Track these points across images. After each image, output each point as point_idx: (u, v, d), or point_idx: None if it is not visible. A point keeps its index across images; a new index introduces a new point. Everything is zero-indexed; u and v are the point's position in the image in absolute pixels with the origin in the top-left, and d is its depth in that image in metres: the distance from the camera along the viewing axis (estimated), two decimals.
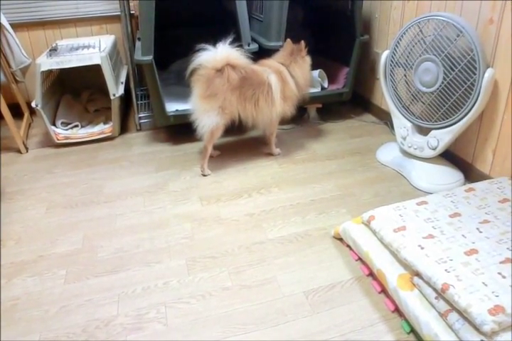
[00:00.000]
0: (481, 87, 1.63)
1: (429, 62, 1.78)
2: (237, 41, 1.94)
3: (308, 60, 2.09)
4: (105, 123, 2.58)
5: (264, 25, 2.39)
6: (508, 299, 1.05)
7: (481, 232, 1.31)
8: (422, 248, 1.25)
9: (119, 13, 2.55)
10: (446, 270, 1.15)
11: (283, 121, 2.25)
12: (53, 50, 2.43)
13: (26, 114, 2.75)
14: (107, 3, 2.89)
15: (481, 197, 1.51)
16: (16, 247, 1.63)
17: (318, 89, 2.51)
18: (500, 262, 1.17)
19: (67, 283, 1.44)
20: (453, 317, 1.08)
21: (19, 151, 2.40)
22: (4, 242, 1.66)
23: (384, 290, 1.34)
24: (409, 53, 1.87)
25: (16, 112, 2.63)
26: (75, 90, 2.90)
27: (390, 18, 2.37)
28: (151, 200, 1.90)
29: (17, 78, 2.59)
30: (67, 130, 2.51)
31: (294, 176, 2.05)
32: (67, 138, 2.46)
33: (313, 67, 2.19)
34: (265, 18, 2.37)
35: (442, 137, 1.81)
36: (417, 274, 1.21)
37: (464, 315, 1.06)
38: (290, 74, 2.03)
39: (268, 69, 1.99)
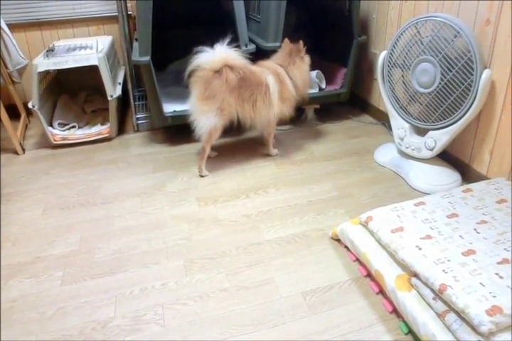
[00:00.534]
0: (478, 87, 1.63)
1: (426, 63, 1.78)
2: (235, 42, 1.94)
3: (307, 60, 2.10)
4: (102, 124, 2.57)
5: (261, 25, 2.39)
6: (506, 299, 1.05)
7: (478, 233, 1.31)
8: (420, 248, 1.25)
9: (116, 13, 2.55)
10: (443, 270, 1.15)
11: (281, 122, 2.25)
12: (50, 51, 2.42)
13: (23, 115, 2.74)
14: (105, 4, 2.89)
15: (478, 197, 1.52)
16: (13, 249, 1.63)
17: (315, 90, 2.51)
18: (498, 263, 1.17)
19: (64, 285, 1.44)
20: (451, 317, 1.08)
21: (16, 152, 2.40)
22: (1, 244, 1.66)
23: (382, 291, 1.34)
24: (407, 54, 1.88)
25: (13, 113, 2.62)
26: (72, 91, 2.89)
27: (387, 19, 2.38)
28: (149, 201, 1.90)
29: (14, 79, 2.58)
30: (64, 131, 2.50)
31: (291, 177, 2.05)
32: (64, 139, 2.45)
33: (311, 67, 2.19)
34: (263, 19, 2.37)
35: (440, 138, 1.82)
36: (415, 275, 1.21)
37: (461, 316, 1.06)
38: (288, 76, 2.04)
39: (266, 71, 2.00)
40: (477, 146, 1.87)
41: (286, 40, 2.06)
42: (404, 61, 1.90)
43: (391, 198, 1.83)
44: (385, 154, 2.14)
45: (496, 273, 1.13)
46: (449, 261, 1.19)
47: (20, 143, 2.41)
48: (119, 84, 2.63)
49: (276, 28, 2.26)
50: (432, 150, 1.86)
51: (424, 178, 1.90)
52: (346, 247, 1.54)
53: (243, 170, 2.13)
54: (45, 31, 2.87)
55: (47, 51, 2.42)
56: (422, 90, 1.83)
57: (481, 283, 1.10)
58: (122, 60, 2.95)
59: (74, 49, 2.47)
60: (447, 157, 2.00)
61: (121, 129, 2.65)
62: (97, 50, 2.41)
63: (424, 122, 1.88)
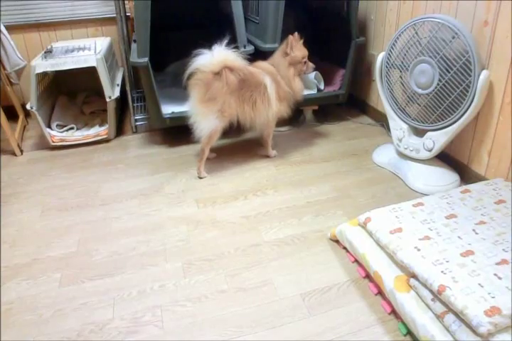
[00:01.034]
0: (476, 88, 1.63)
1: (424, 64, 1.79)
2: (233, 43, 1.94)
3: (297, 56, 2.02)
4: (101, 125, 2.57)
5: (259, 27, 2.39)
6: (505, 300, 1.05)
7: (477, 233, 1.31)
8: (419, 249, 1.25)
9: (114, 15, 2.54)
10: (442, 271, 1.15)
11: (279, 123, 2.25)
12: (48, 52, 2.42)
13: (21, 116, 2.74)
14: (103, 5, 2.89)
15: (476, 198, 1.52)
16: (11, 250, 1.62)
17: (314, 91, 2.51)
18: (496, 263, 1.17)
19: (62, 287, 1.43)
20: (449, 318, 1.08)
21: (14, 154, 2.39)
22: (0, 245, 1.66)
23: (380, 292, 1.34)
24: (405, 55, 1.88)
25: (11, 114, 2.62)
26: (71, 92, 2.89)
27: (385, 20, 2.38)
28: (147, 203, 1.89)
29: (12, 80, 2.58)
30: (62, 132, 2.50)
31: (290, 178, 2.05)
32: (62, 140, 2.45)
33: None
34: (261, 20, 2.37)
35: (438, 139, 1.82)
36: (414, 276, 1.21)
37: (460, 317, 1.06)
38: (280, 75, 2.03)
39: (262, 71, 2.00)
40: (475, 147, 1.87)
41: (290, 36, 1.99)
42: (402, 62, 1.90)
43: (390, 199, 1.83)
44: (384, 155, 2.14)
45: (495, 274, 1.13)
46: (447, 261, 1.19)
47: (18, 145, 2.41)
48: (118, 85, 2.63)
49: (275, 29, 2.26)
50: (430, 151, 1.86)
51: (423, 179, 1.90)
52: (345, 248, 1.54)
53: (242, 172, 2.13)
54: (43, 32, 2.87)
55: (45, 52, 2.42)
56: (420, 91, 1.84)
57: (479, 284, 1.10)
58: (121, 62, 2.95)
59: (72, 50, 2.47)
60: (446, 158, 2.00)
61: (119, 131, 2.65)
62: (95, 52, 2.41)
63: (423, 123, 1.88)
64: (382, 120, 2.52)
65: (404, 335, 1.21)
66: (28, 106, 2.31)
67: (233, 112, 1.97)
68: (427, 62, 1.77)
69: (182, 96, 2.08)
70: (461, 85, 1.67)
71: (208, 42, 1.87)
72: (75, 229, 1.73)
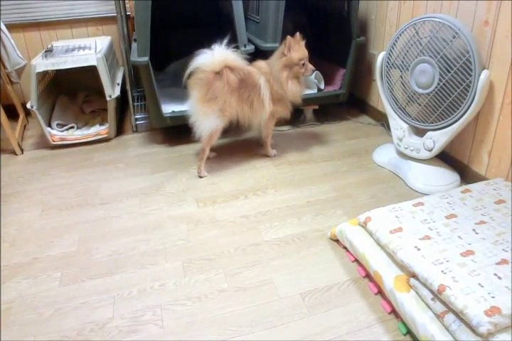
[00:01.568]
0: (476, 88, 1.63)
1: (425, 64, 1.79)
2: (234, 42, 1.94)
3: (292, 57, 1.96)
4: (101, 124, 2.57)
5: (260, 26, 2.39)
6: (505, 300, 1.05)
7: (477, 233, 1.31)
8: (419, 249, 1.25)
9: (115, 14, 2.54)
10: (442, 271, 1.15)
11: (280, 123, 2.25)
12: (49, 51, 2.42)
13: (22, 116, 2.74)
14: (103, 5, 2.89)
15: (477, 198, 1.52)
16: (11, 250, 1.62)
17: (314, 91, 2.51)
18: (496, 263, 1.17)
19: (62, 286, 1.43)
20: (449, 318, 1.08)
21: (14, 153, 2.39)
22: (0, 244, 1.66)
23: (380, 292, 1.34)
24: (406, 55, 1.88)
25: (12, 113, 2.62)
26: (71, 91, 2.88)
27: (386, 20, 2.38)
28: (147, 202, 1.89)
29: (12, 79, 2.57)
30: (62, 131, 2.50)
31: (290, 178, 2.05)
32: (62, 139, 2.45)
33: None
34: (261, 20, 2.37)
35: (438, 138, 1.82)
36: (414, 275, 1.21)
37: (460, 317, 1.06)
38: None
39: (258, 71, 1.99)
40: (476, 147, 1.87)
41: (289, 37, 1.93)
42: (402, 62, 1.90)
43: (390, 199, 1.83)
44: (384, 155, 2.14)
45: (495, 274, 1.13)
46: (447, 261, 1.19)
47: (18, 144, 2.41)
48: (118, 84, 2.63)
49: (275, 29, 2.26)
50: (430, 150, 1.86)
51: (423, 179, 1.90)
52: (345, 248, 1.54)
53: (242, 171, 2.13)
54: (44, 32, 2.87)
55: (45, 51, 2.42)
56: (420, 91, 1.83)
57: (479, 284, 1.10)
58: (121, 61, 2.95)
59: (72, 49, 2.47)
60: (446, 158, 2.00)
61: (119, 130, 2.65)
62: (95, 51, 2.41)
63: (423, 123, 1.88)
64: (382, 120, 2.52)
65: (404, 335, 1.21)
66: (28, 106, 2.31)
67: (233, 112, 1.97)
68: (428, 62, 1.77)
69: (182, 96, 2.08)
70: (462, 85, 1.67)
71: (209, 42, 1.87)
72: (75, 228, 1.73)
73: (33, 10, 2.80)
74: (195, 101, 1.93)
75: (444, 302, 1.11)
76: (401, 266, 1.28)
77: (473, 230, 1.33)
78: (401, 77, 1.93)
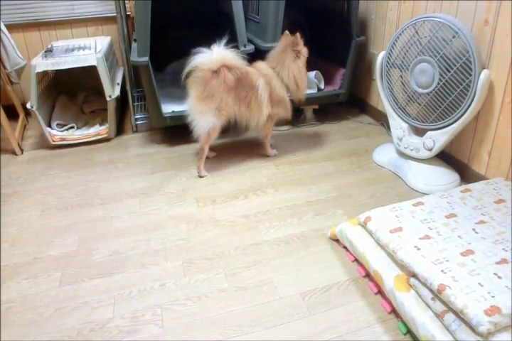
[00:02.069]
0: (476, 88, 1.63)
1: (425, 63, 1.78)
2: (233, 42, 1.94)
3: (304, 53, 2.01)
4: (101, 124, 2.57)
5: (260, 26, 2.39)
6: (505, 300, 1.05)
7: (477, 233, 1.31)
8: (419, 249, 1.25)
9: (115, 14, 2.55)
10: (442, 271, 1.15)
11: (279, 123, 2.25)
12: (49, 51, 2.42)
13: (21, 116, 2.74)
14: (103, 5, 2.89)
15: (477, 197, 1.52)
16: (11, 250, 1.62)
17: (314, 90, 2.51)
18: (496, 263, 1.17)
19: (62, 286, 1.43)
20: (449, 318, 1.08)
21: (14, 153, 2.39)
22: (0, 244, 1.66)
23: (380, 292, 1.34)
24: (405, 54, 1.88)
25: (11, 114, 2.62)
26: (71, 91, 2.89)
27: (386, 19, 2.38)
28: (147, 202, 1.89)
29: (12, 79, 2.57)
30: (62, 131, 2.50)
31: (290, 177, 2.05)
32: (62, 139, 2.45)
33: (310, 68, 2.18)
34: (261, 19, 2.37)
35: (438, 138, 1.82)
36: (414, 275, 1.21)
37: (460, 316, 1.06)
38: (278, 77, 2.00)
39: (258, 73, 1.99)
40: (476, 147, 1.87)
41: (286, 32, 1.98)
42: (402, 61, 1.90)
43: (390, 198, 1.83)
44: (384, 154, 2.14)
45: (495, 273, 1.13)
46: (447, 261, 1.19)
47: (18, 144, 2.41)
48: (118, 84, 2.63)
49: (275, 29, 2.26)
50: (430, 150, 1.86)
51: (423, 178, 1.90)
52: (345, 247, 1.54)
53: (242, 171, 2.13)
54: (44, 32, 2.87)
55: (45, 52, 2.42)
56: (420, 90, 1.83)
57: (479, 283, 1.10)
58: (121, 61, 2.95)
59: (72, 49, 2.47)
60: (446, 157, 2.00)
61: (119, 130, 2.65)
62: (95, 51, 2.41)
63: (423, 122, 1.88)
64: (382, 119, 2.52)
65: (404, 334, 1.21)
66: (28, 106, 2.31)
67: (231, 111, 1.97)
68: (428, 62, 1.77)
69: (182, 96, 2.08)
70: (462, 85, 1.67)
71: (209, 42, 1.87)
72: (75, 228, 1.73)
73: (32, 10, 2.80)
74: (192, 100, 1.93)
75: (444, 302, 1.11)
76: (401, 266, 1.28)
77: (473, 230, 1.33)
78: (401, 76, 1.93)
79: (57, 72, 2.68)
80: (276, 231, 1.67)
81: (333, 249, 1.57)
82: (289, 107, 2.09)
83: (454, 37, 1.66)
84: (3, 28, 2.42)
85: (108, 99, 2.39)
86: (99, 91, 2.48)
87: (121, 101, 2.76)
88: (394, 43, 1.92)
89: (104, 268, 1.51)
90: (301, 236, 1.64)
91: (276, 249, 1.57)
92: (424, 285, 1.17)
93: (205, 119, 1.95)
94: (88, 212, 1.84)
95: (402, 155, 2.02)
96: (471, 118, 1.73)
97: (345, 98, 2.57)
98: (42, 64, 2.28)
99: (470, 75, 1.64)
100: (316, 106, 2.62)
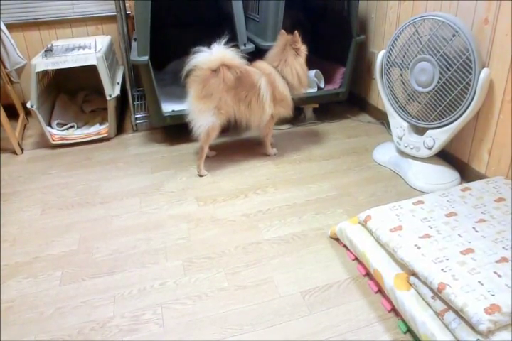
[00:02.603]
0: (476, 86, 1.63)
1: (425, 62, 1.78)
2: (233, 41, 1.94)
3: (303, 51, 2.02)
4: (101, 123, 2.57)
5: (260, 25, 2.39)
6: (504, 298, 1.05)
7: (477, 231, 1.31)
8: (419, 247, 1.25)
9: (115, 13, 2.54)
10: (442, 269, 1.15)
11: (279, 122, 2.25)
12: (49, 51, 2.42)
13: (22, 115, 2.74)
14: (103, 4, 2.89)
15: (477, 196, 1.52)
16: (11, 249, 1.62)
17: (314, 89, 2.51)
18: (496, 261, 1.17)
19: (63, 285, 1.44)
20: (449, 316, 1.08)
21: (14, 152, 2.39)
22: (0, 244, 1.66)
23: (380, 290, 1.34)
24: (405, 53, 1.88)
25: (12, 113, 2.62)
26: (71, 91, 2.89)
27: (386, 18, 2.37)
28: (147, 201, 1.90)
29: (12, 79, 2.58)
30: (62, 131, 2.50)
31: (290, 176, 2.05)
32: (62, 138, 2.45)
33: (310, 67, 2.18)
34: (261, 19, 2.37)
35: (438, 137, 1.82)
36: (414, 274, 1.21)
37: (460, 315, 1.06)
38: (280, 75, 2.01)
39: (259, 72, 1.99)
40: (476, 145, 1.87)
41: (283, 31, 2.00)
42: (402, 60, 1.90)
43: (390, 197, 1.83)
44: (384, 153, 2.14)
45: (495, 272, 1.13)
46: (447, 259, 1.19)
47: (18, 143, 2.41)
48: (118, 83, 2.63)
49: (275, 28, 2.26)
50: (430, 149, 1.86)
51: (423, 177, 1.90)
52: (345, 246, 1.54)
53: (242, 170, 2.13)
54: (44, 31, 2.87)
55: (45, 51, 2.42)
56: (420, 89, 1.83)
57: (479, 282, 1.10)
58: (121, 60, 2.95)
59: (72, 49, 2.47)
60: (446, 156, 2.00)
61: (120, 129, 2.65)
62: (95, 50, 2.41)
63: (423, 121, 1.88)
64: (382, 118, 2.52)
65: (404, 333, 1.21)
66: (28, 105, 2.31)
67: (230, 110, 1.97)
68: (428, 60, 1.77)
69: (182, 95, 2.08)
70: (462, 83, 1.67)
71: (209, 41, 1.87)
72: (76, 228, 1.73)
73: (32, 9, 2.79)
74: (192, 99, 1.93)
75: (444, 301, 1.11)
76: (401, 265, 1.28)
77: (473, 228, 1.33)
78: (401, 75, 1.93)
79: (57, 71, 2.68)
80: (277, 230, 1.67)
81: (334, 247, 1.57)
82: (291, 105, 2.10)
83: (454, 36, 1.66)
84: (3, 27, 2.42)
85: (108, 98, 2.39)
86: (99, 91, 2.49)
87: (122, 100, 2.76)
88: (394, 42, 1.91)
89: (104, 267, 1.51)
90: (302, 235, 1.64)
91: (276, 248, 1.57)
92: (424, 283, 1.17)
93: (204, 118, 1.94)
94: (88, 211, 1.84)
95: (402, 154, 2.02)
96: (471, 117, 1.73)
97: (345, 97, 2.57)
98: (42, 63, 2.28)
99: (470, 74, 1.64)
100: (316, 105, 2.62)
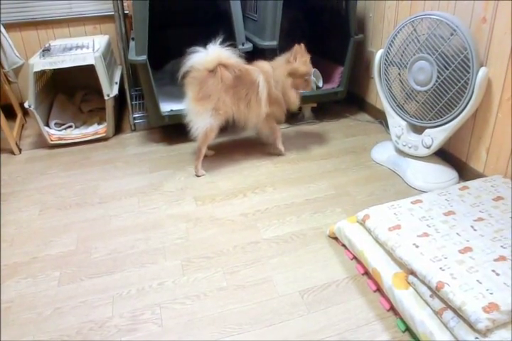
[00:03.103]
0: (474, 85, 1.63)
1: (423, 61, 1.78)
2: (232, 41, 1.94)
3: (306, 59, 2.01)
4: (99, 123, 2.57)
5: (258, 24, 2.38)
6: (503, 296, 1.05)
7: (475, 230, 1.31)
8: (417, 246, 1.26)
9: (112, 13, 2.54)
10: (440, 268, 1.15)
11: (277, 121, 2.24)
12: (46, 51, 2.41)
13: (19, 115, 2.73)
14: (101, 3, 2.88)
15: (475, 195, 1.52)
16: (10, 249, 1.62)
17: (313, 89, 2.51)
18: (495, 260, 1.17)
19: (61, 285, 1.43)
20: (448, 315, 1.08)
21: (12, 152, 2.39)
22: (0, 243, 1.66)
23: (379, 289, 1.34)
24: (404, 52, 1.88)
25: (9, 113, 2.61)
26: (69, 90, 2.88)
27: (384, 17, 2.37)
28: (146, 201, 1.89)
29: (10, 79, 2.57)
30: (60, 131, 2.50)
31: (288, 176, 2.05)
32: (60, 138, 2.44)
33: None
34: (259, 18, 2.37)
35: (436, 136, 1.82)
36: (412, 273, 1.21)
37: (458, 313, 1.06)
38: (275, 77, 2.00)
39: (258, 69, 1.99)
40: (474, 144, 1.87)
41: (297, 46, 1.95)
42: (400, 59, 1.90)
43: (388, 196, 1.83)
44: (382, 152, 2.14)
45: (493, 270, 1.13)
46: (446, 258, 1.19)
47: (16, 143, 2.41)
48: (116, 83, 2.63)
49: (273, 27, 2.26)
50: (428, 148, 1.86)
51: (422, 176, 1.90)
52: (344, 245, 1.54)
53: (240, 169, 2.12)
54: (41, 31, 2.86)
55: (43, 51, 2.41)
56: (418, 88, 1.83)
57: (477, 281, 1.10)
58: (119, 60, 2.95)
59: (70, 48, 2.46)
60: (444, 155, 2.00)
61: (118, 129, 2.64)
62: (93, 50, 2.40)
63: (421, 120, 1.88)
64: (380, 117, 2.52)
65: (403, 332, 1.21)
66: (26, 105, 2.30)
67: (228, 110, 1.96)
68: (426, 59, 1.77)
69: (180, 94, 2.08)
70: (460, 82, 1.67)
71: (207, 40, 1.86)
72: (74, 228, 1.73)
73: (30, 9, 2.79)
74: (189, 101, 1.93)
75: (442, 299, 1.11)
76: (400, 263, 1.28)
77: (472, 227, 1.33)
78: (399, 74, 1.93)
79: (55, 71, 2.67)
80: (275, 230, 1.67)
81: (332, 246, 1.57)
82: (284, 109, 2.08)
83: (452, 34, 1.66)
84: (1, 27, 2.41)
85: (106, 98, 2.39)
86: (98, 91, 2.48)
87: (120, 100, 2.76)
88: (392, 41, 1.91)
89: (103, 267, 1.50)
90: (300, 234, 1.64)
91: (275, 247, 1.57)
92: (423, 282, 1.17)
93: (202, 120, 1.94)
94: (87, 211, 1.84)
95: (401, 153, 2.02)
96: (469, 116, 1.73)
97: (343, 96, 2.57)
98: (40, 63, 2.28)
99: (468, 73, 1.64)
100: (315, 105, 2.62)
